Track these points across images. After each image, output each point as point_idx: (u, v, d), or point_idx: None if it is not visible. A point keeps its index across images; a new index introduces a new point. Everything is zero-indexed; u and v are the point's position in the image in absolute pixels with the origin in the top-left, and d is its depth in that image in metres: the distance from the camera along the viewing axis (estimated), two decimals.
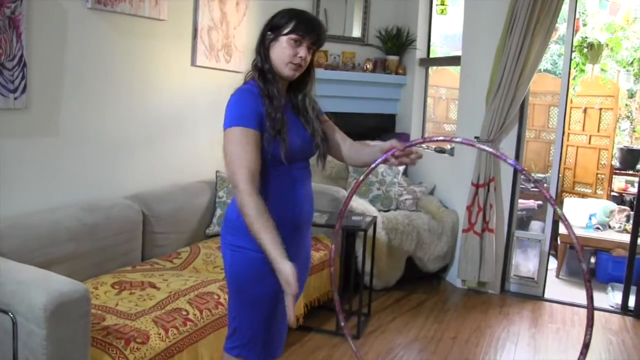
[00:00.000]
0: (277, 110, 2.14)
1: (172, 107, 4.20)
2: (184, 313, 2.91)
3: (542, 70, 8.07)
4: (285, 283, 1.98)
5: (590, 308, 1.96)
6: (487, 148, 2.28)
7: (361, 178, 2.28)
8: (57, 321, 2.21)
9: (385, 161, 2.21)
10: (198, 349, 2.90)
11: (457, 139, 2.32)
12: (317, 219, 4.02)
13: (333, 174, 5.26)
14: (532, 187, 6.49)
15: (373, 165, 2.25)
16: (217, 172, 4.42)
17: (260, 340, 2.32)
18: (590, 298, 1.95)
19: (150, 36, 3.89)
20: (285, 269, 1.97)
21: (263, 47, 2.21)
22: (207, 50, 4.36)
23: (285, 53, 2.17)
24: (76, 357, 2.30)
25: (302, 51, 2.17)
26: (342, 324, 2.38)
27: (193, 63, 4.30)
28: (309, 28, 2.17)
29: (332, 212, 4.24)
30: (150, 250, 3.77)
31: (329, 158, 2.40)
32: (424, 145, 6.02)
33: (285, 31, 2.16)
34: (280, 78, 2.22)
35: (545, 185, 5.61)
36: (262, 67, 2.20)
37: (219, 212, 4.23)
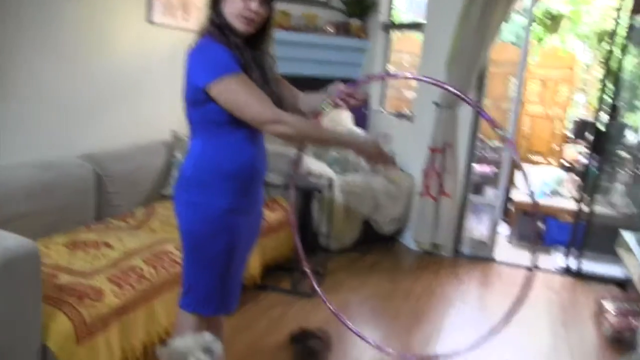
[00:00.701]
0: (248, 59, 2.13)
1: (128, 65, 4.14)
2: (139, 271, 2.94)
3: (503, 40, 8.17)
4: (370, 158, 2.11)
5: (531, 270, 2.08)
6: (451, 88, 2.31)
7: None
8: (5, 278, 2.17)
9: (337, 106, 2.22)
10: (154, 306, 2.94)
11: (412, 76, 2.36)
12: (274, 179, 4.08)
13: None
14: (489, 154, 6.63)
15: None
16: (173, 132, 4.41)
17: (215, 296, 2.37)
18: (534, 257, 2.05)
19: None
20: (367, 140, 2.06)
21: (216, 1, 2.15)
22: (164, 7, 4.29)
23: (235, 5, 2.10)
24: (28, 314, 2.30)
25: (254, 4, 2.10)
26: (314, 283, 2.44)
27: (149, 20, 4.21)
28: None
29: (288, 173, 4.29)
30: (104, 210, 3.76)
31: None
32: (383, 111, 6.10)
33: None
34: (236, 34, 2.15)
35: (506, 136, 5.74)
36: (219, 22, 2.14)
37: (175, 172, 4.23)
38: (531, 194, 2.15)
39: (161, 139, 4.41)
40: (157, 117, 4.43)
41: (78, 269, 2.82)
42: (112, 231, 3.44)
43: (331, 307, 2.48)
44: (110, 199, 3.79)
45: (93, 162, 3.69)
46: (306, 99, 2.42)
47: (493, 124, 2.18)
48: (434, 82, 2.35)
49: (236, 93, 2.06)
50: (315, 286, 2.48)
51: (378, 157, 2.11)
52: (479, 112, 3.52)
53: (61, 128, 3.67)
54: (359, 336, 2.55)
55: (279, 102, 2.31)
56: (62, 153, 3.62)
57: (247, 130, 2.21)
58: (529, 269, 2.16)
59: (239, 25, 2.13)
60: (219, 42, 2.11)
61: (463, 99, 2.25)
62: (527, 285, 2.14)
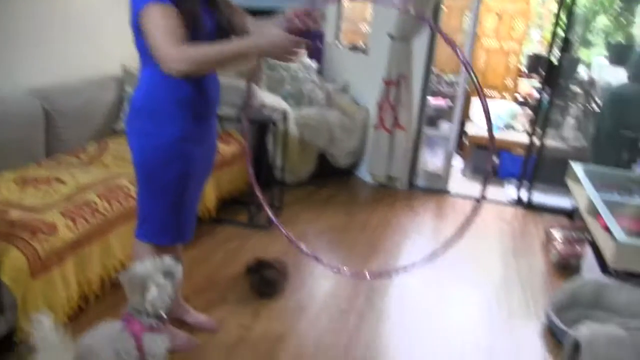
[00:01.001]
0: (186, 2, 2.08)
1: None
2: (93, 205, 2.92)
3: None
4: (282, 43, 2.01)
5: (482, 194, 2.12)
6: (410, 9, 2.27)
7: None
8: None
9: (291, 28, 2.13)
10: (109, 240, 2.94)
11: None
12: (228, 112, 4.04)
13: (245, 70, 5.23)
14: (445, 88, 6.67)
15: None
16: (123, 66, 4.31)
17: (170, 225, 2.39)
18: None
19: None
20: (267, 35, 2.03)
21: None
22: None
23: None
24: None
25: None
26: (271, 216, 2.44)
27: None
28: None
29: (243, 106, 4.25)
30: (55, 146, 3.70)
31: None
32: (338, 44, 6.05)
33: None
34: None
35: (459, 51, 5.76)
36: None
37: (126, 107, 4.15)
38: (489, 127, 2.17)
39: (112, 73, 4.32)
40: (106, 51, 4.30)
41: (29, 205, 2.79)
42: (63, 167, 3.39)
43: (284, 231, 2.51)
44: (60, 135, 3.72)
45: (41, 97, 3.61)
46: (259, 23, 2.35)
47: (449, 42, 2.17)
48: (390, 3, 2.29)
49: (152, 24, 2.01)
50: (270, 215, 2.49)
51: (288, 52, 2.06)
52: (435, 30, 3.47)
53: (4, 61, 3.54)
54: (313, 257, 2.58)
55: (230, 27, 2.29)
56: (8, 88, 3.52)
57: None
58: (477, 200, 2.21)
59: None
60: None
61: (422, 19, 2.23)
62: (473, 213, 2.20)
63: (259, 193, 2.40)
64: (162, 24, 2.00)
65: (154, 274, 2.04)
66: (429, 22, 2.04)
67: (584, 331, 2.52)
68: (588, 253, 3.57)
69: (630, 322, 2.62)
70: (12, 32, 3.54)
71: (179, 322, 2.77)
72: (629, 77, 4.99)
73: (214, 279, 3.36)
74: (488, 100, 6.71)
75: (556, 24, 4.86)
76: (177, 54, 1.99)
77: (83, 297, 2.82)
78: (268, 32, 2.05)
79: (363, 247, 3.99)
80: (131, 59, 2.15)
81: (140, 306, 2.04)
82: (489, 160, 2.16)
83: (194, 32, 2.09)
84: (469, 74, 2.13)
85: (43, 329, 1.73)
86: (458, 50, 2.13)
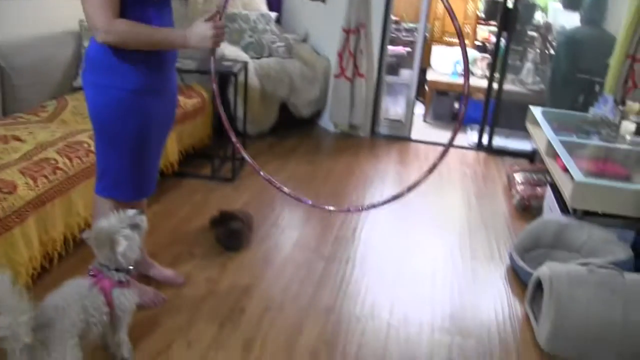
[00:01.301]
0: None
1: None
2: (53, 162, 2.85)
3: None
4: (207, 39, 2.11)
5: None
6: None
7: None
8: None
9: None
10: (71, 196, 2.89)
11: None
12: (188, 65, 3.98)
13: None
14: (404, 35, 6.65)
15: None
16: (80, 21, 4.18)
17: (129, 179, 2.35)
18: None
19: None
20: (191, 32, 2.11)
21: None
22: None
23: None
24: None
25: None
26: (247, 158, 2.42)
27: None
28: None
29: (202, 58, 4.17)
30: (12, 104, 3.59)
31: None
32: None
33: None
34: None
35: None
36: None
37: None
38: (466, 72, 2.18)
39: (68, 28, 4.17)
40: (62, 4, 4.15)
41: None
42: (21, 125, 3.30)
43: (283, 188, 2.51)
44: (16, 93, 3.60)
45: None
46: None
47: None
48: None
49: None
50: (243, 153, 2.47)
51: (214, 44, 2.15)
52: None
53: None
54: (316, 206, 2.59)
55: None
56: None
57: (153, 8, 2.14)
58: (445, 146, 2.24)
59: None
60: None
61: None
62: (439, 158, 2.22)
63: (231, 134, 2.36)
64: None
65: (120, 227, 2.02)
66: None
67: (546, 271, 2.58)
68: (548, 194, 3.65)
69: (590, 260, 2.69)
70: None
71: (146, 278, 2.75)
72: (582, 21, 5.05)
73: (179, 233, 3.34)
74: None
75: None
76: (106, 26, 2.02)
77: (46, 257, 2.77)
78: (196, 29, 2.13)
79: (327, 195, 4.01)
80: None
81: (109, 262, 2.03)
82: (461, 105, 2.18)
83: None
84: (452, 20, 2.13)
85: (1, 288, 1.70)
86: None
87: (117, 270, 2.04)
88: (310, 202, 2.60)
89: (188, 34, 2.13)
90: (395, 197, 2.38)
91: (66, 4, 4.13)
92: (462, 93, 5.39)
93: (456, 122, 2.20)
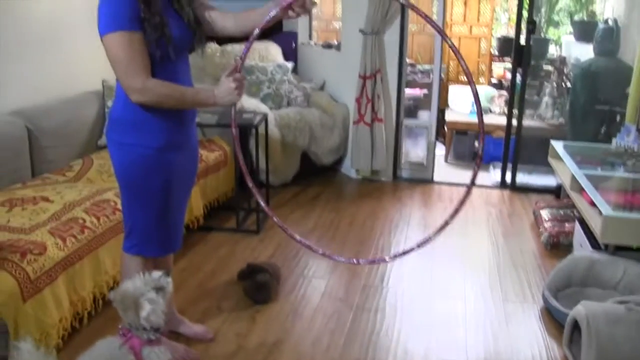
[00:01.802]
0: (155, 15, 2.07)
1: (49, 16, 3.96)
2: (81, 222, 2.89)
3: None
4: (231, 92, 2.14)
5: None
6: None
7: (256, 32, 2.15)
8: None
9: (284, 12, 2.13)
10: (99, 255, 2.91)
11: None
12: (209, 119, 4.02)
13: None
14: (420, 78, 6.69)
15: (268, 17, 2.13)
16: (103, 81, 4.27)
17: (156, 235, 2.38)
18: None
19: None
20: (218, 89, 2.15)
21: None
22: None
23: None
24: None
25: None
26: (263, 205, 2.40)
27: None
28: None
29: (222, 112, 4.22)
30: (40, 165, 3.67)
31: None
32: (312, 43, 6.04)
33: None
34: None
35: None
36: None
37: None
38: (478, 108, 2.18)
39: (92, 89, 4.28)
40: (85, 66, 4.26)
41: (17, 226, 2.76)
42: (49, 186, 3.36)
43: (295, 236, 2.50)
44: (45, 154, 3.69)
45: (24, 118, 3.58)
46: (245, 16, 2.33)
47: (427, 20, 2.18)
48: None
49: (115, 54, 2.06)
50: (262, 203, 2.46)
51: (238, 95, 2.17)
52: (422, 16, 3.44)
53: None
54: (307, 246, 2.55)
55: (198, 23, 2.30)
56: None
57: (172, 67, 2.19)
58: (467, 186, 2.22)
59: None
60: None
61: (408, 6, 2.23)
62: (463, 199, 2.20)
63: (250, 182, 2.36)
64: (122, 54, 2.04)
65: (145, 290, 2.02)
66: (415, 9, 2.09)
67: (582, 310, 2.51)
68: (577, 230, 3.60)
69: (628, 298, 2.62)
70: None
71: (175, 335, 2.74)
72: (595, 52, 5.05)
73: (207, 287, 3.33)
74: (464, 86, 6.78)
75: (520, 7, 4.89)
76: (138, 86, 2.07)
77: (76, 317, 2.78)
78: (221, 86, 2.15)
79: (353, 242, 3.99)
80: (110, 72, 2.16)
81: (135, 323, 2.02)
82: (479, 142, 2.17)
83: (163, 45, 2.11)
84: (457, 56, 2.14)
85: (22, 355, 1.70)
86: (447, 39, 2.16)
87: (145, 329, 2.04)
88: (320, 252, 2.58)
89: (217, 92, 2.16)
90: (420, 245, 2.36)
91: (89, 64, 4.24)
92: (479, 132, 5.39)
93: (480, 160, 2.19)
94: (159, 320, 2.05)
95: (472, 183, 2.26)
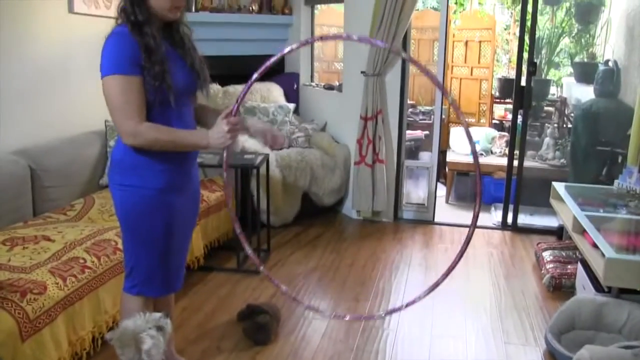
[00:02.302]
0: (155, 64, 2.10)
1: (52, 57, 4.02)
2: (82, 261, 2.89)
3: (429, 7, 8.29)
4: (224, 135, 2.16)
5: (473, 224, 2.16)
6: (379, 43, 2.35)
7: (255, 76, 2.22)
8: None
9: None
10: (99, 294, 2.90)
11: (354, 37, 2.37)
12: (210, 160, 4.05)
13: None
14: (421, 119, 6.74)
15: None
16: (105, 121, 4.31)
17: (158, 275, 2.37)
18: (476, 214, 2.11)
19: None
20: (212, 131, 2.18)
21: None
22: None
23: (166, 1, 2.12)
24: None
25: None
26: (249, 251, 2.43)
27: (71, 10, 4.09)
28: None
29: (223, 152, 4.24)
30: (42, 205, 3.68)
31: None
32: (313, 84, 6.10)
33: None
34: (156, 20, 2.15)
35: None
36: (137, 19, 2.11)
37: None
38: (472, 148, 2.20)
39: (94, 128, 4.31)
40: (88, 106, 4.28)
41: (18, 265, 2.76)
42: (51, 225, 3.37)
43: (281, 287, 2.51)
44: (47, 193, 3.71)
45: (27, 157, 3.60)
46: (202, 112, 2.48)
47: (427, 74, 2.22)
48: (360, 38, 2.37)
49: (112, 97, 2.10)
50: (245, 246, 2.46)
51: (230, 138, 2.19)
52: (415, 65, 3.52)
53: None
54: (310, 309, 2.57)
55: (203, 67, 2.34)
56: None
57: (174, 110, 2.21)
58: (469, 227, 2.23)
59: (172, 16, 2.17)
60: (131, 34, 2.10)
61: (399, 55, 2.29)
62: (466, 242, 2.21)
63: (248, 248, 2.39)
64: (118, 98, 2.08)
65: (144, 328, 2.01)
66: (407, 57, 2.19)
67: (586, 355, 2.48)
68: (580, 272, 3.58)
69: (634, 343, 2.59)
70: None
71: None
72: (596, 93, 5.09)
73: (207, 327, 3.31)
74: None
75: (521, 49, 4.94)
76: (130, 129, 2.10)
77: (75, 357, 2.75)
78: (215, 128, 2.18)
79: (353, 283, 3.96)
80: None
81: None
82: (477, 183, 2.18)
83: (164, 92, 2.14)
84: (447, 98, 2.18)
85: None
86: (439, 83, 2.18)
87: None
88: (306, 305, 2.61)
89: (210, 134, 2.19)
90: (418, 299, 2.37)
91: (91, 104, 4.25)
92: (475, 172, 5.42)
93: (479, 201, 2.20)
94: (158, 357, 2.03)
95: (472, 232, 2.27)
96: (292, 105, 5.58)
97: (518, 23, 5.19)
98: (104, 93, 2.11)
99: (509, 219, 5.15)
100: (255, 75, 2.19)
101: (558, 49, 6.90)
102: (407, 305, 2.37)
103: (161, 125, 2.15)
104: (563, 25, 6.75)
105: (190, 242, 2.61)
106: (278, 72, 6.09)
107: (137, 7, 2.11)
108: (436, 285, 2.30)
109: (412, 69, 6.62)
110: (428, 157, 5.68)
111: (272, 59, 2.18)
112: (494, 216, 5.40)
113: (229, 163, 2.32)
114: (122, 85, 2.06)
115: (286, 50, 2.29)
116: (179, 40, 2.28)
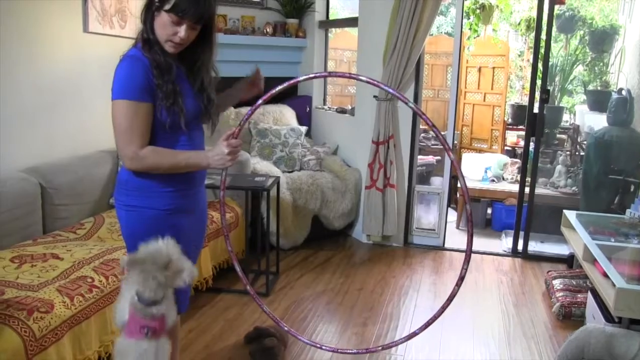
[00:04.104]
0: (168, 82, 2.13)
1: (65, 75, 4.06)
2: (90, 280, 2.89)
3: (442, 33, 8.34)
4: (223, 157, 2.18)
5: (469, 249, 2.16)
6: (389, 89, 2.40)
7: (259, 102, 2.32)
8: None
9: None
10: (106, 314, 2.90)
11: (362, 78, 2.42)
12: (220, 181, 4.05)
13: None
14: (433, 144, 6.75)
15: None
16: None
17: None
18: (470, 237, 2.11)
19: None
20: (212, 152, 2.19)
21: (149, 16, 2.14)
22: (100, 16, 4.24)
23: (165, 31, 2.12)
24: None
25: (182, 32, 2.11)
26: (238, 269, 2.44)
27: (85, 29, 4.15)
28: (189, 7, 2.07)
29: (236, 174, 4.27)
30: (52, 223, 3.69)
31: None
32: (325, 108, 6.14)
33: (167, 7, 2.07)
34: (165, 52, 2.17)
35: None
36: (148, 37, 2.15)
37: None
38: (460, 176, 2.24)
39: (106, 147, 4.33)
40: (100, 125, 4.33)
41: (26, 283, 2.76)
42: (60, 243, 3.38)
43: (286, 327, 2.54)
44: (57, 212, 3.72)
45: (37, 175, 3.62)
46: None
47: (427, 121, 2.27)
48: (368, 80, 2.43)
49: (118, 120, 2.12)
50: (249, 289, 2.48)
51: (230, 161, 2.21)
52: (414, 110, 3.55)
53: (2, 141, 3.55)
54: (293, 334, 2.58)
55: (215, 109, 2.38)
56: (5, 167, 3.53)
57: (184, 134, 2.22)
58: (466, 252, 2.25)
59: (167, 48, 2.17)
60: (145, 56, 2.13)
61: (399, 98, 2.35)
62: (465, 263, 2.22)
63: (247, 284, 2.41)
64: (123, 122, 2.10)
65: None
66: (420, 113, 2.26)
67: None
68: (590, 301, 3.55)
69: None
70: (6, 111, 3.56)
71: None
72: (609, 122, 5.07)
73: (214, 350, 3.30)
74: (477, 153, 6.82)
75: (534, 76, 4.95)
76: (130, 153, 2.12)
77: None
78: (214, 149, 2.20)
79: (362, 308, 3.94)
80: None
81: (151, 290, 1.99)
82: (472, 211, 2.21)
83: (175, 114, 2.16)
84: (433, 130, 2.22)
85: None
86: (427, 118, 2.28)
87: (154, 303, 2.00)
88: (304, 340, 2.66)
89: (210, 154, 2.21)
90: (425, 326, 2.37)
91: (103, 123, 4.28)
92: (491, 199, 5.39)
93: (471, 227, 2.22)
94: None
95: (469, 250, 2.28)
96: (304, 128, 5.60)
97: (532, 50, 5.20)
98: (112, 115, 2.13)
99: (520, 246, 5.13)
100: (259, 102, 2.25)
101: (571, 77, 6.91)
102: (408, 338, 2.38)
103: (162, 149, 2.16)
104: (577, 53, 6.76)
105: (197, 263, 2.61)
106: (291, 95, 6.13)
107: (148, 25, 2.15)
108: (433, 319, 2.31)
109: (425, 93, 6.65)
110: (439, 183, 5.68)
111: (278, 88, 2.24)
112: (504, 243, 5.38)
113: (237, 185, 2.34)
114: (129, 110, 2.08)
115: (292, 81, 2.41)
116: (197, 74, 2.29)
